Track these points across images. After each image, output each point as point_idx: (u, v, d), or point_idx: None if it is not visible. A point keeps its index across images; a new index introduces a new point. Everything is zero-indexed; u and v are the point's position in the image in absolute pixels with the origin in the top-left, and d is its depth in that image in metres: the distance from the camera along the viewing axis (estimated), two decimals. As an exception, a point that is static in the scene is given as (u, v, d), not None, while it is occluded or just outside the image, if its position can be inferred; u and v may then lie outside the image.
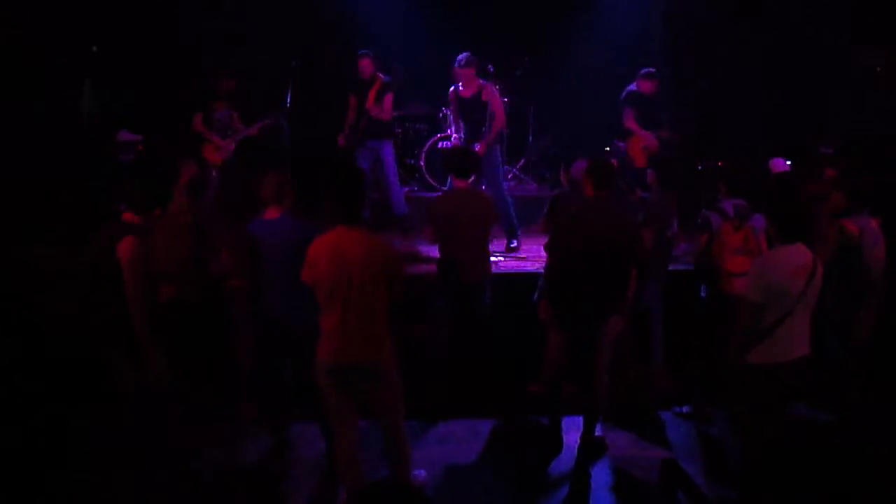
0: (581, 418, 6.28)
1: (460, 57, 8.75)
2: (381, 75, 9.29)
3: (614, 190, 6.15)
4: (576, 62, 11.58)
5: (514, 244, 9.05)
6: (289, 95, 9.74)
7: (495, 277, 7.32)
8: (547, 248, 6.24)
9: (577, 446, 6.24)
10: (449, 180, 8.97)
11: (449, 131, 10.61)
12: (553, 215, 6.90)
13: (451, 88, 9.07)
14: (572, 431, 6.37)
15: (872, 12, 9.83)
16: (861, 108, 10.03)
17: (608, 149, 9.96)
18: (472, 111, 8.88)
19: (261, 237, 5.81)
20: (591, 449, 6.26)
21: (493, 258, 8.13)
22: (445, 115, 11.06)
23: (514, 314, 7.23)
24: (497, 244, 8.88)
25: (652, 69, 9.30)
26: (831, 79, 10.26)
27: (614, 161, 7.80)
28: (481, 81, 8.88)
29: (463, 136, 9.06)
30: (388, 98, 9.30)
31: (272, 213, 5.86)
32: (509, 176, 11.06)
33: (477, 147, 8.59)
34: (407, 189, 10.97)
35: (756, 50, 10.96)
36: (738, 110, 10.66)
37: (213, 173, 9.17)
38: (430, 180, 10.93)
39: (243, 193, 7.14)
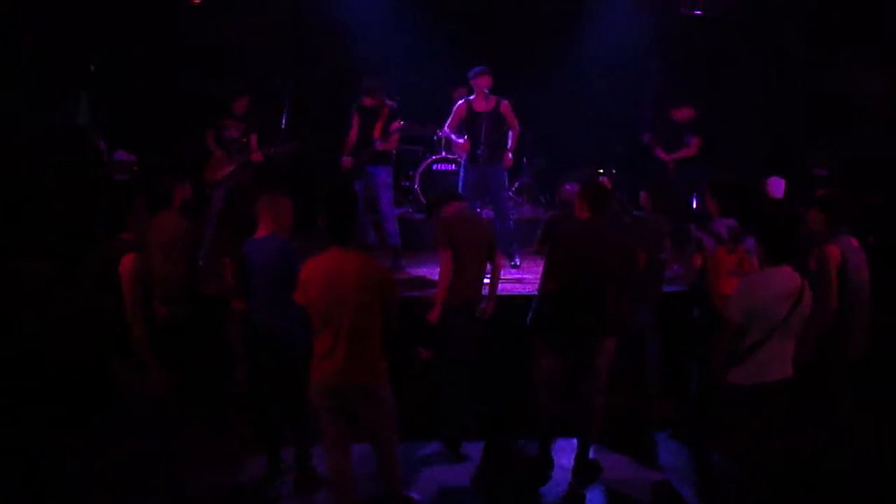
0: (572, 440, 6.29)
1: (478, 68, 8.76)
2: (388, 102, 8.96)
3: (608, 211, 6.18)
4: (570, 84, 11.63)
5: (517, 262, 9.08)
6: (284, 117, 9.74)
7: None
8: (545, 272, 6.23)
9: (569, 468, 6.24)
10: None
11: (447, 151, 10.52)
12: (547, 238, 6.89)
13: (461, 102, 9.01)
14: (564, 453, 6.37)
15: (868, 36, 9.89)
16: (855, 132, 10.08)
17: (601, 171, 10.01)
18: (489, 125, 8.78)
19: (248, 255, 5.89)
20: (585, 471, 6.25)
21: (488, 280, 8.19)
22: (440, 138, 11.07)
23: (508, 335, 7.22)
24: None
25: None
26: (825, 101, 10.30)
27: (606, 181, 7.85)
28: (494, 95, 8.86)
29: (481, 151, 8.84)
30: (395, 127, 8.86)
31: (261, 232, 5.92)
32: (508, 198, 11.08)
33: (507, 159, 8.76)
34: (402, 211, 10.98)
35: (750, 72, 11.03)
36: (731, 131, 10.71)
37: (214, 193, 9.04)
38: (425, 203, 10.87)
39: (247, 214, 7.12)
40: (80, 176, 9.04)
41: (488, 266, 6.81)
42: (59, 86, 9.50)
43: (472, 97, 8.94)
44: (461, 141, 8.89)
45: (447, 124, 9.14)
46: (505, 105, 8.86)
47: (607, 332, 5.97)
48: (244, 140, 9.25)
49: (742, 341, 4.91)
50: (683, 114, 9.54)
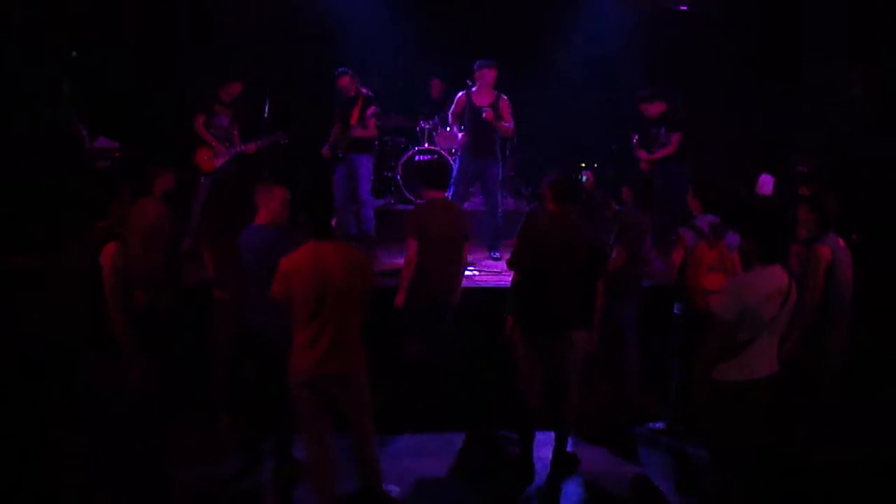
0: (553, 433, 6.29)
1: (485, 60, 8.78)
2: (364, 91, 9.17)
3: (577, 204, 6.17)
4: (555, 78, 11.64)
5: (498, 255, 9.06)
6: (266, 107, 9.70)
7: (471, 291, 7.33)
8: (509, 263, 6.25)
9: (549, 461, 6.26)
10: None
11: (452, 129, 10.48)
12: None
13: (461, 93, 9.04)
14: (544, 446, 6.37)
15: (851, 34, 9.94)
16: (835, 128, 10.13)
17: (583, 165, 10.01)
18: (488, 118, 8.80)
19: (243, 244, 5.86)
20: (563, 464, 6.27)
21: (469, 272, 8.19)
22: (423, 129, 11.06)
23: (487, 328, 7.23)
24: (478, 256, 8.97)
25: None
26: (807, 98, 10.34)
27: (590, 175, 7.85)
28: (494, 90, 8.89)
29: (478, 143, 8.91)
30: (371, 112, 9.13)
31: (258, 221, 5.90)
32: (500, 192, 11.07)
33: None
34: (384, 202, 10.97)
35: (733, 68, 11.06)
36: (713, 128, 10.74)
37: (203, 180, 8.97)
38: (407, 194, 10.86)
39: (231, 204, 7.09)
40: (60, 165, 8.98)
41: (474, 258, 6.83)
42: (39, 74, 9.43)
43: (473, 89, 8.97)
44: (459, 135, 8.87)
45: (450, 113, 9.25)
46: (504, 100, 8.90)
47: (575, 324, 5.96)
48: (233, 129, 9.19)
49: (732, 339, 4.92)
50: (654, 109, 9.46)
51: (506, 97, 8.95)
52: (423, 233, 6.64)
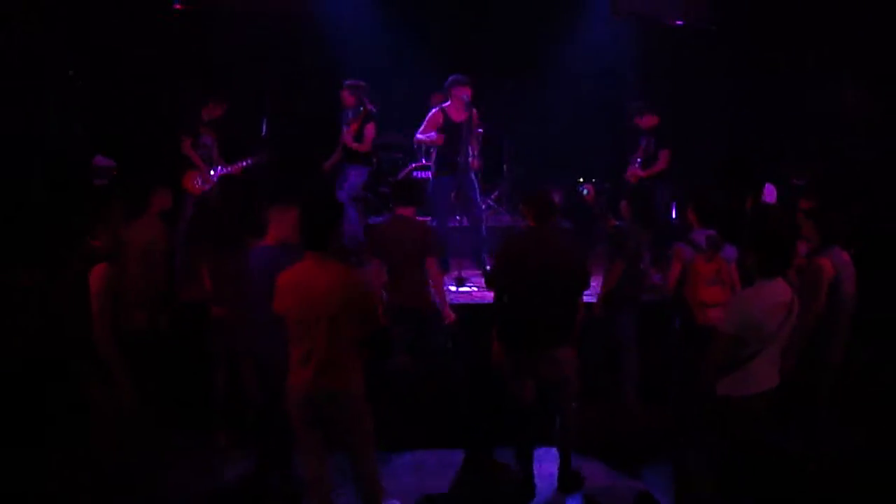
0: (551, 449, 6.28)
1: (457, 76, 8.70)
2: (369, 107, 9.28)
3: (554, 221, 6.12)
4: (551, 93, 11.68)
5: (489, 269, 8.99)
6: (264, 124, 9.71)
7: (470, 308, 7.32)
8: (487, 281, 6.25)
9: (548, 477, 6.24)
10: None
11: (424, 160, 10.56)
12: None
13: (436, 110, 8.90)
14: (544, 462, 6.35)
15: (844, 46, 9.97)
16: (830, 141, 10.15)
17: (581, 180, 10.02)
18: (466, 134, 8.75)
19: (251, 265, 5.82)
20: (568, 482, 6.23)
21: (466, 288, 8.21)
22: (420, 145, 11.06)
23: (481, 343, 7.20)
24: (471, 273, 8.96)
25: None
26: (800, 112, 10.37)
27: (591, 188, 7.86)
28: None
29: (459, 159, 8.79)
30: (370, 129, 9.25)
31: (266, 241, 5.85)
32: (483, 206, 11.02)
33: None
34: (381, 219, 10.97)
35: (727, 83, 11.10)
36: (708, 142, 10.77)
37: (189, 200, 8.96)
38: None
39: (227, 224, 7.09)
40: (58, 183, 8.97)
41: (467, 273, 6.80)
42: (37, 94, 9.43)
43: (446, 104, 8.87)
44: (434, 135, 8.79)
45: (420, 131, 8.98)
46: (475, 113, 8.88)
47: (558, 341, 5.91)
48: (214, 149, 9.20)
49: (734, 353, 4.91)
50: (647, 121, 9.51)
51: (475, 109, 8.87)
52: (382, 250, 6.76)
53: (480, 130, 9.00)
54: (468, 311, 7.71)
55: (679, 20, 11.29)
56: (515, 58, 11.78)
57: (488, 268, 8.88)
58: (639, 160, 9.45)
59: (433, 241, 6.84)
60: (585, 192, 8.35)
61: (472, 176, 8.96)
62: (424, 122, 8.96)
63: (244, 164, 9.26)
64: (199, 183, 9.00)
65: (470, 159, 8.88)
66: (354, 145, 9.22)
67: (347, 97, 9.27)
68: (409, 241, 6.72)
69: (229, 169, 9.19)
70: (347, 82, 9.32)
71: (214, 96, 9.19)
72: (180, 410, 6.84)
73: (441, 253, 6.80)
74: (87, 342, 5.13)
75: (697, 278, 6.47)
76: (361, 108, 9.27)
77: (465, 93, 8.66)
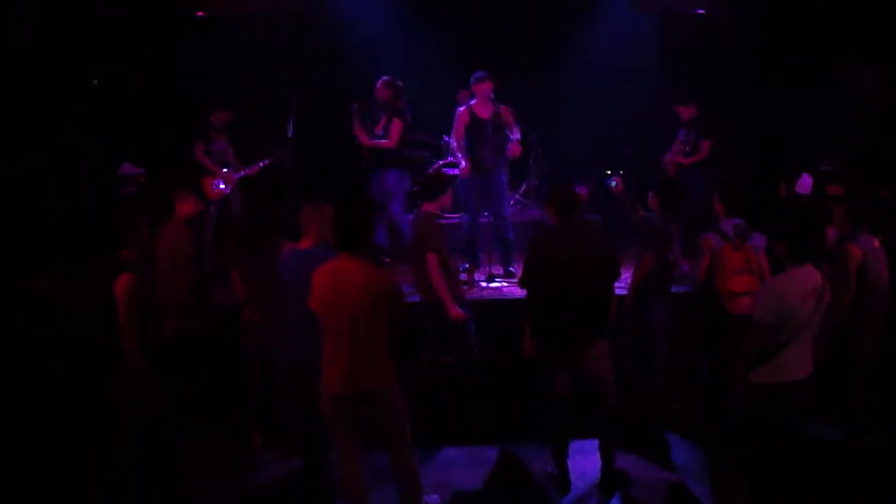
0: (585, 442, 6.29)
1: (479, 73, 8.69)
2: (399, 104, 9.23)
3: (579, 214, 6.09)
4: (577, 86, 11.72)
5: (513, 269, 8.94)
6: (291, 124, 9.73)
7: (493, 303, 7.45)
8: (520, 282, 6.22)
9: (584, 472, 6.24)
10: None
11: (454, 158, 10.53)
12: None
13: (463, 108, 8.88)
14: (579, 455, 6.34)
15: (867, 33, 9.89)
16: (857, 128, 10.07)
17: (609, 172, 9.99)
18: (492, 131, 8.68)
19: (286, 267, 5.85)
20: (612, 481, 6.18)
21: (496, 283, 8.23)
22: (447, 143, 11.05)
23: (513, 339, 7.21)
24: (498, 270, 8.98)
25: None
26: (828, 98, 10.29)
27: (619, 180, 7.86)
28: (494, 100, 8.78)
29: (485, 157, 8.73)
30: (396, 125, 9.15)
31: (304, 244, 5.89)
32: (511, 202, 11.01)
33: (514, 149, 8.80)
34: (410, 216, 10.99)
35: (752, 70, 11.04)
36: (734, 130, 10.72)
37: (211, 208, 9.03)
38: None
39: (257, 226, 7.14)
40: (84, 193, 9.09)
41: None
42: (62, 103, 9.55)
43: (472, 102, 8.86)
44: (463, 164, 8.84)
45: (453, 132, 9.01)
46: (505, 110, 8.78)
47: (592, 336, 5.87)
48: (229, 153, 9.34)
49: (769, 342, 4.89)
50: (688, 112, 9.59)
51: (506, 106, 8.83)
52: (408, 248, 7.05)
53: (517, 136, 8.85)
54: (498, 306, 7.72)
55: (699, 10, 11.24)
56: (537, 52, 11.84)
57: (512, 268, 8.94)
58: (686, 150, 9.53)
59: (430, 235, 6.78)
60: (613, 184, 8.30)
61: (501, 174, 8.91)
62: (454, 122, 8.98)
63: (261, 164, 9.35)
64: (219, 187, 9.11)
65: (508, 147, 8.83)
66: (382, 143, 9.15)
67: (383, 91, 9.16)
68: (415, 236, 6.81)
69: (247, 171, 9.29)
70: (384, 78, 9.25)
71: (218, 103, 9.35)
72: (215, 413, 6.90)
73: (440, 247, 6.74)
74: (116, 351, 5.18)
75: (726, 267, 6.43)
76: (393, 105, 9.20)
77: (487, 88, 8.65)
